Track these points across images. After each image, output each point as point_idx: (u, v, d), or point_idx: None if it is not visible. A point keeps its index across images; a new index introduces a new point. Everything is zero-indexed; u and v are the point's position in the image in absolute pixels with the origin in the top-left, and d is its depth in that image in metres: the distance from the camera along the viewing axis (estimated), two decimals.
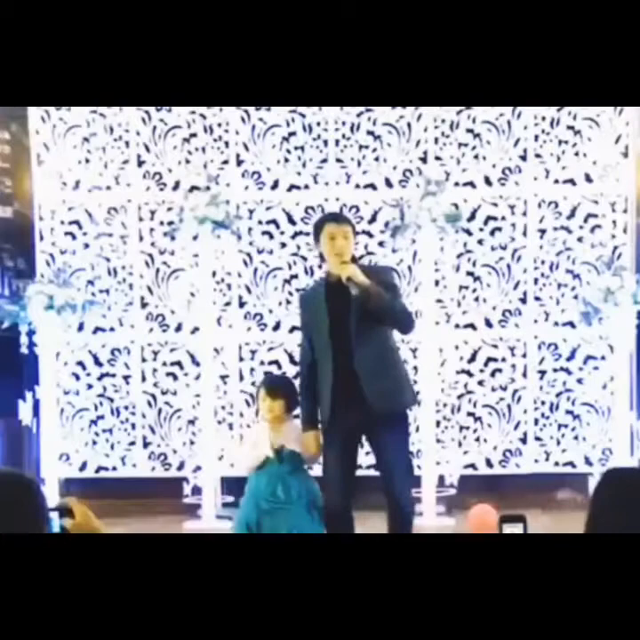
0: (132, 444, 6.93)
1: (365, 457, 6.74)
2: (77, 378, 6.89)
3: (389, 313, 4.60)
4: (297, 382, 4.96)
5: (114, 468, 6.92)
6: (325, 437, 4.71)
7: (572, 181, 6.82)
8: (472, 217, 6.83)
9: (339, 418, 4.60)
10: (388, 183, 6.88)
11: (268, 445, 4.79)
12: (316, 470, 4.92)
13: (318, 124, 6.88)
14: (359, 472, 4.92)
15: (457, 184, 6.82)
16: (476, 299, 6.86)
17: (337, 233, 4.66)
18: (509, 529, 1.93)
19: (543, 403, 6.87)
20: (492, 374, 6.89)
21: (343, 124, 6.87)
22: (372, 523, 4.83)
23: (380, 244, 6.87)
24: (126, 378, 6.91)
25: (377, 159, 6.89)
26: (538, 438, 6.88)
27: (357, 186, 6.89)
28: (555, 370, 6.87)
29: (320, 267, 6.91)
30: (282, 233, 6.91)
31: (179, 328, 6.90)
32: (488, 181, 6.85)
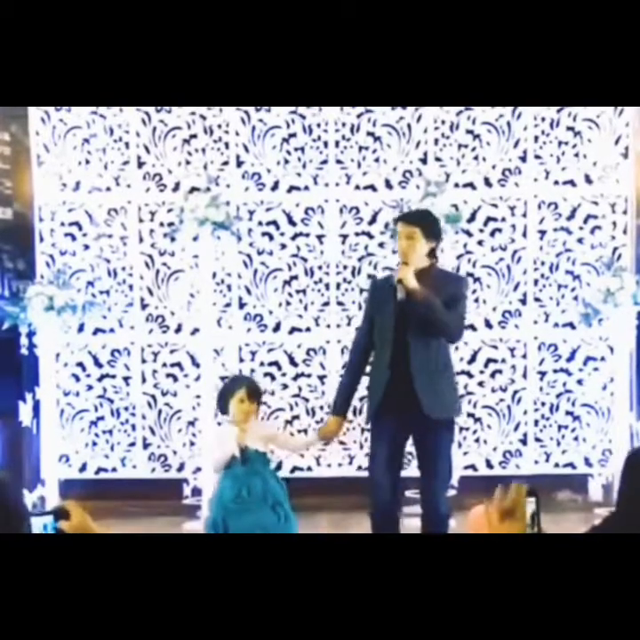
0: (132, 445, 6.93)
1: (365, 458, 6.76)
2: (77, 379, 6.89)
3: (434, 323, 4.61)
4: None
5: (114, 470, 6.92)
6: (373, 433, 4.79)
7: (571, 182, 6.83)
8: (472, 218, 6.83)
9: (388, 414, 4.65)
10: (388, 184, 6.88)
11: (234, 445, 4.78)
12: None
13: (318, 125, 6.88)
14: (365, 473, 4.93)
15: (457, 185, 6.83)
16: (476, 300, 6.86)
17: (402, 233, 4.71)
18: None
19: (543, 404, 6.88)
20: (492, 375, 6.89)
21: (343, 125, 6.87)
22: (370, 523, 4.83)
23: (381, 245, 6.87)
24: (126, 379, 6.91)
25: (377, 160, 6.89)
26: (538, 439, 6.88)
27: (357, 187, 6.89)
28: (555, 371, 6.87)
29: (320, 268, 6.93)
30: (282, 234, 6.90)
31: (179, 329, 6.90)
32: (488, 182, 6.86)
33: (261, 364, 6.91)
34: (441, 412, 4.65)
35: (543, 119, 6.82)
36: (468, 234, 6.82)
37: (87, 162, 6.88)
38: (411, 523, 5.07)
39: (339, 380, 5.51)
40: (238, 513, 4.71)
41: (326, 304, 6.90)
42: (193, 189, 6.64)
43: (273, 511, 4.74)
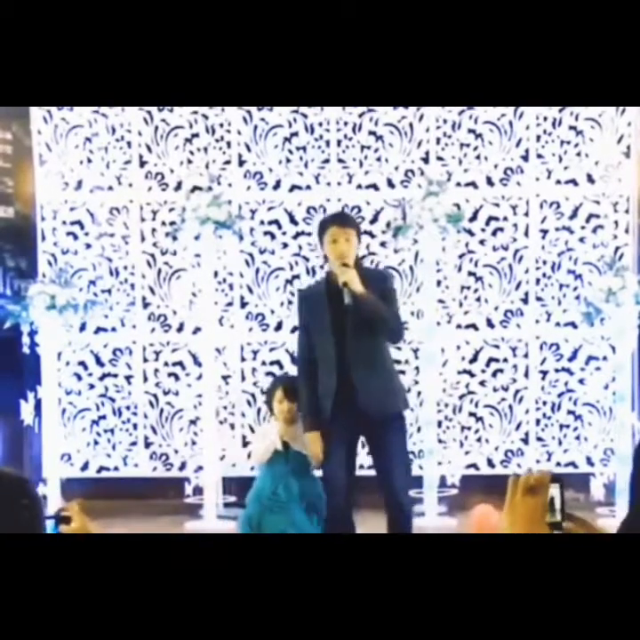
0: (134, 444, 6.94)
1: (366, 457, 6.77)
2: (79, 378, 6.90)
3: (380, 322, 4.61)
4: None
5: (115, 468, 6.93)
6: (326, 438, 4.72)
7: (574, 182, 6.83)
8: (474, 217, 6.83)
9: (339, 419, 4.63)
10: (390, 183, 6.89)
11: (277, 440, 4.82)
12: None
13: (320, 124, 6.89)
14: (360, 472, 4.93)
15: (459, 184, 6.83)
16: (478, 299, 6.86)
17: (339, 236, 4.65)
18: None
19: (545, 403, 6.88)
20: (494, 374, 6.89)
21: (345, 124, 6.88)
22: (371, 523, 4.84)
23: (382, 244, 6.88)
24: (128, 378, 6.92)
25: (379, 159, 6.89)
26: (539, 438, 6.89)
27: (359, 186, 6.90)
28: (556, 370, 6.88)
29: (322, 267, 6.93)
30: (284, 233, 6.91)
31: (180, 328, 6.91)
32: (490, 182, 6.86)
33: (263, 363, 6.91)
34: (380, 410, 4.62)
35: (545, 118, 6.82)
36: (470, 233, 6.82)
37: (89, 161, 6.89)
38: (415, 522, 5.05)
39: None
40: (273, 510, 4.75)
41: None
42: (195, 188, 6.64)
43: (306, 514, 4.77)
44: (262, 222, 6.91)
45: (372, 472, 4.97)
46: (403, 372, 6.49)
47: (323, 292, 4.73)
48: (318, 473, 4.88)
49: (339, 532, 4.60)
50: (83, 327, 6.86)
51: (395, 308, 4.77)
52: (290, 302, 6.88)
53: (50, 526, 2.15)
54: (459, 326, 6.88)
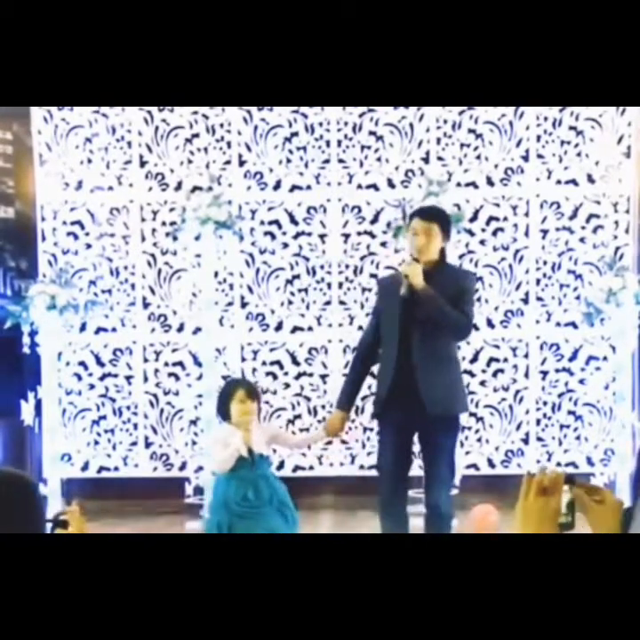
0: (134, 444, 6.94)
1: (366, 457, 6.77)
2: (79, 378, 6.91)
3: (441, 319, 4.58)
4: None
5: (116, 469, 6.94)
6: (381, 427, 4.78)
7: (574, 182, 6.84)
8: (474, 217, 6.84)
9: (393, 410, 4.64)
10: (391, 183, 6.90)
11: (242, 446, 4.76)
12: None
13: (320, 124, 6.89)
14: (366, 473, 4.93)
15: (459, 184, 6.83)
16: (479, 299, 6.86)
17: (419, 228, 4.68)
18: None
19: (545, 403, 6.89)
20: (494, 375, 6.90)
21: (345, 124, 6.88)
22: (372, 523, 4.84)
23: (383, 244, 6.88)
24: (128, 378, 6.93)
25: (379, 159, 6.90)
26: (540, 439, 6.89)
27: (359, 186, 6.90)
28: (557, 370, 6.88)
29: (322, 267, 6.94)
30: (284, 233, 6.92)
31: (181, 328, 6.92)
32: (490, 182, 6.87)
33: (263, 363, 6.92)
34: (442, 409, 4.61)
35: (545, 119, 6.83)
36: (471, 233, 6.83)
37: (89, 161, 6.89)
38: (415, 522, 5.05)
39: (342, 377, 5.52)
40: (245, 516, 4.70)
41: (328, 303, 6.91)
42: (195, 188, 6.65)
43: (280, 513, 4.74)
44: (262, 222, 6.91)
45: (371, 473, 4.98)
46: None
47: (400, 280, 4.70)
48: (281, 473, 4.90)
49: (389, 525, 4.61)
50: (83, 327, 6.86)
51: (466, 308, 4.69)
52: (290, 302, 6.89)
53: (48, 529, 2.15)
54: None
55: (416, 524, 4.96)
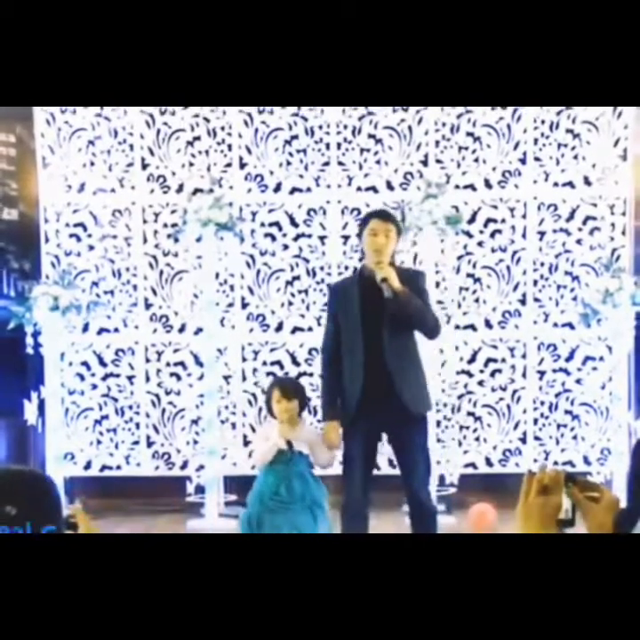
0: (136, 443, 7.00)
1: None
2: (82, 378, 6.96)
3: (420, 319, 4.62)
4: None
5: (118, 467, 6.99)
6: (347, 433, 4.73)
7: (571, 184, 6.89)
8: (472, 219, 6.90)
9: (365, 414, 4.62)
10: (390, 186, 6.95)
11: (280, 440, 4.83)
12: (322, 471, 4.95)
13: (320, 127, 6.95)
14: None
15: (457, 187, 6.89)
16: (476, 300, 6.93)
17: (379, 230, 4.67)
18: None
19: (542, 403, 6.94)
20: (492, 375, 6.95)
21: (345, 127, 6.94)
22: (373, 521, 4.87)
23: None
24: (130, 378, 6.98)
25: (378, 162, 6.95)
26: (537, 438, 6.95)
27: (359, 188, 6.96)
28: (554, 370, 6.94)
29: (322, 268, 6.99)
30: (284, 235, 6.97)
31: (182, 329, 6.97)
32: (488, 184, 6.92)
33: (264, 363, 6.97)
34: (421, 407, 4.68)
35: (543, 122, 6.88)
36: (469, 235, 6.89)
37: (92, 163, 6.95)
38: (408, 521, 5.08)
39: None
40: (274, 510, 4.75)
41: None
42: (196, 191, 6.69)
43: (310, 512, 4.78)
44: (263, 224, 6.96)
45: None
46: None
47: (355, 285, 4.74)
48: (320, 472, 4.94)
49: (353, 527, 4.64)
50: (85, 328, 6.92)
51: (429, 306, 4.78)
52: (290, 303, 6.94)
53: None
54: (457, 327, 6.94)
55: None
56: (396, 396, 4.57)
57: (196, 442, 6.93)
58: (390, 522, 4.75)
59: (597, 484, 2.01)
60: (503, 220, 6.92)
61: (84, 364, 6.96)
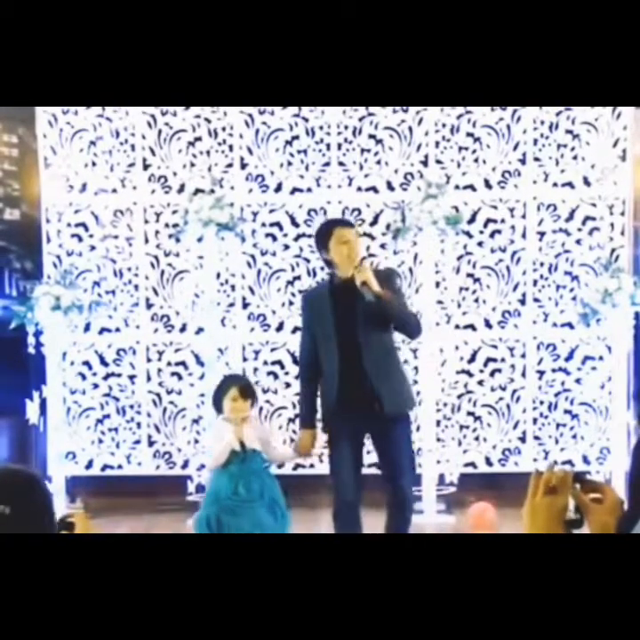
0: (138, 442, 7.02)
1: (366, 456, 6.85)
2: (84, 377, 6.98)
3: (402, 319, 4.68)
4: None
5: (119, 467, 7.01)
6: (331, 436, 4.79)
7: (570, 184, 6.90)
8: (472, 219, 6.91)
9: (345, 417, 4.68)
10: (390, 186, 6.97)
11: (234, 441, 4.83)
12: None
13: (321, 127, 6.96)
14: (365, 471, 4.98)
15: (457, 187, 6.91)
16: (476, 300, 6.94)
17: (348, 236, 4.74)
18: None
19: (542, 402, 6.96)
20: (492, 374, 6.97)
21: (345, 127, 6.95)
22: (372, 521, 4.90)
23: (382, 246, 6.95)
24: (132, 377, 7.00)
25: (378, 162, 6.97)
26: (537, 437, 6.96)
27: (359, 189, 6.98)
28: (553, 370, 6.95)
29: (323, 268, 7.01)
30: (285, 235, 6.99)
31: (183, 328, 6.99)
32: (488, 184, 6.93)
33: (265, 362, 6.99)
34: (402, 406, 4.71)
35: (542, 122, 6.90)
36: (469, 235, 6.90)
37: (93, 164, 6.97)
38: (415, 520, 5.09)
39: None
40: (234, 510, 4.75)
41: None
42: (197, 191, 6.71)
43: (270, 509, 4.79)
44: (264, 224, 6.98)
45: (371, 471, 5.05)
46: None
47: (326, 293, 4.80)
48: (275, 470, 4.98)
49: (345, 529, 4.67)
50: (87, 327, 6.93)
51: (406, 304, 4.83)
52: (291, 303, 6.96)
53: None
54: (457, 327, 6.96)
55: (416, 522, 5.04)
56: (375, 398, 4.62)
57: (196, 441, 6.96)
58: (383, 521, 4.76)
59: (602, 485, 2.00)
60: (503, 221, 6.94)
61: (86, 363, 6.97)
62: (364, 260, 4.74)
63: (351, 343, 4.64)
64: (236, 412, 4.87)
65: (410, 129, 6.94)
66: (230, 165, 6.99)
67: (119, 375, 7.00)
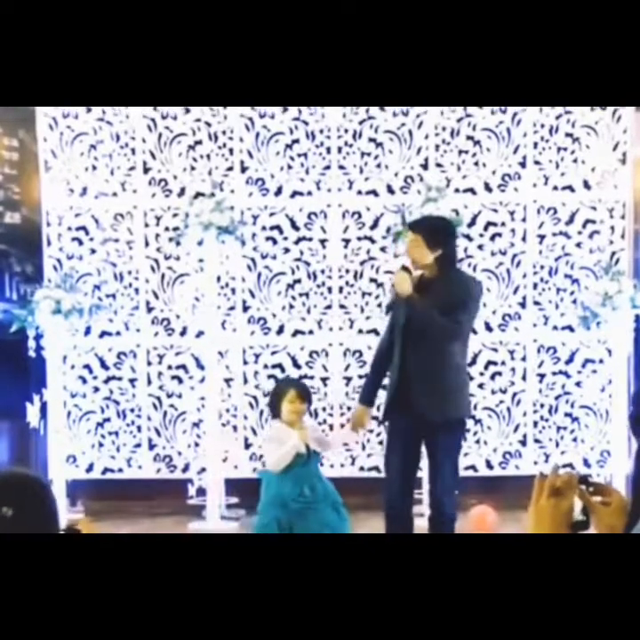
0: (138, 446, 7.02)
1: (366, 459, 6.86)
2: (84, 381, 6.98)
3: (428, 325, 4.68)
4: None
5: (120, 470, 7.01)
6: (388, 431, 4.94)
7: (570, 188, 6.91)
8: (472, 223, 6.91)
9: (398, 415, 4.80)
10: (390, 189, 6.97)
11: (300, 444, 4.83)
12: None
13: (321, 131, 6.97)
14: (366, 474, 5.00)
15: (457, 190, 6.91)
16: None
17: (410, 239, 4.89)
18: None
19: (542, 405, 6.96)
20: (492, 377, 6.97)
21: (345, 131, 6.96)
22: (371, 523, 4.91)
23: (382, 249, 6.96)
24: (132, 381, 7.00)
25: (379, 166, 6.97)
26: (537, 440, 6.96)
27: (359, 192, 6.98)
28: (554, 373, 6.95)
29: (323, 272, 7.01)
30: (285, 238, 6.99)
31: (184, 332, 6.99)
32: (488, 188, 6.94)
33: (265, 366, 6.99)
34: (439, 416, 4.68)
35: (542, 125, 6.91)
36: (469, 238, 6.90)
37: (94, 167, 6.97)
38: (417, 523, 5.09)
39: (342, 380, 5.91)
40: (302, 512, 4.75)
41: (329, 307, 6.99)
42: (198, 194, 6.72)
43: (334, 510, 4.81)
44: (264, 228, 6.99)
45: (373, 474, 5.05)
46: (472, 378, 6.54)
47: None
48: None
49: (396, 529, 4.72)
50: (88, 331, 6.94)
51: (458, 315, 4.69)
52: (291, 306, 6.97)
53: None
54: None
55: (420, 525, 5.03)
56: (415, 402, 4.70)
57: (197, 444, 6.96)
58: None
59: (609, 487, 2.00)
60: (503, 224, 6.94)
61: (86, 366, 6.98)
62: (420, 263, 4.81)
63: (407, 346, 4.75)
64: (294, 415, 4.89)
65: (410, 132, 6.94)
66: (230, 169, 6.99)
67: (120, 379, 7.00)
